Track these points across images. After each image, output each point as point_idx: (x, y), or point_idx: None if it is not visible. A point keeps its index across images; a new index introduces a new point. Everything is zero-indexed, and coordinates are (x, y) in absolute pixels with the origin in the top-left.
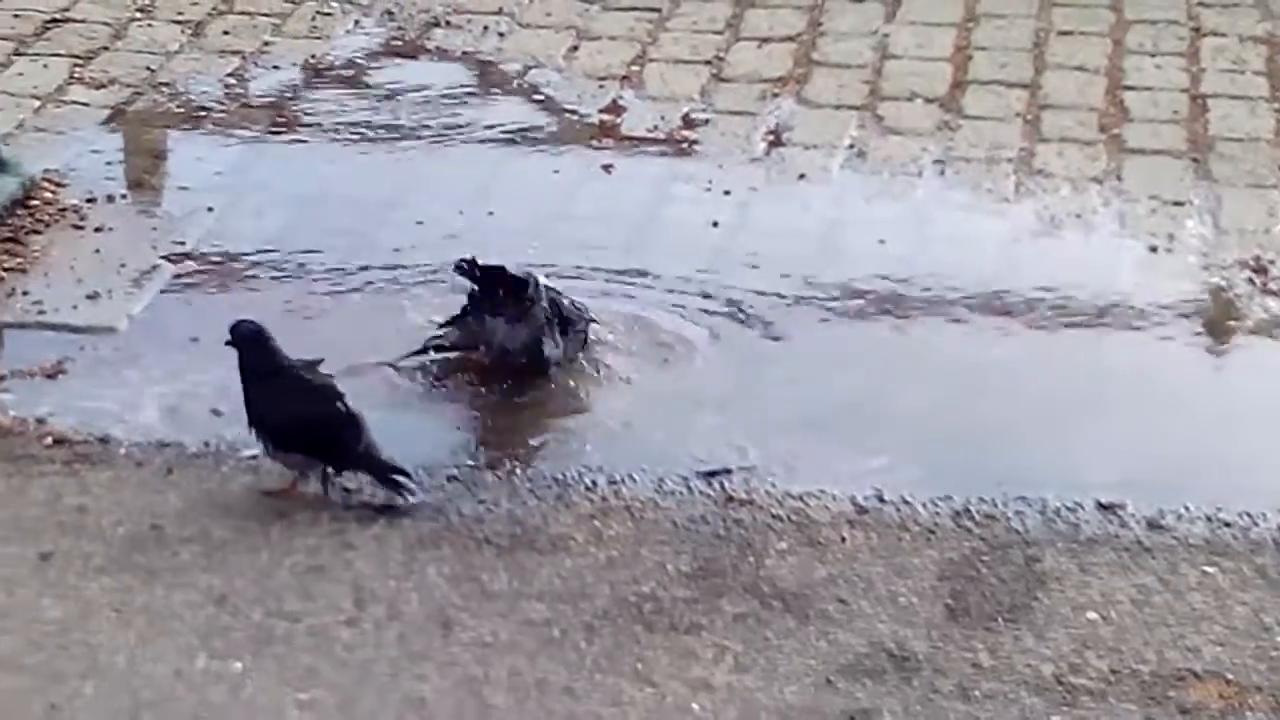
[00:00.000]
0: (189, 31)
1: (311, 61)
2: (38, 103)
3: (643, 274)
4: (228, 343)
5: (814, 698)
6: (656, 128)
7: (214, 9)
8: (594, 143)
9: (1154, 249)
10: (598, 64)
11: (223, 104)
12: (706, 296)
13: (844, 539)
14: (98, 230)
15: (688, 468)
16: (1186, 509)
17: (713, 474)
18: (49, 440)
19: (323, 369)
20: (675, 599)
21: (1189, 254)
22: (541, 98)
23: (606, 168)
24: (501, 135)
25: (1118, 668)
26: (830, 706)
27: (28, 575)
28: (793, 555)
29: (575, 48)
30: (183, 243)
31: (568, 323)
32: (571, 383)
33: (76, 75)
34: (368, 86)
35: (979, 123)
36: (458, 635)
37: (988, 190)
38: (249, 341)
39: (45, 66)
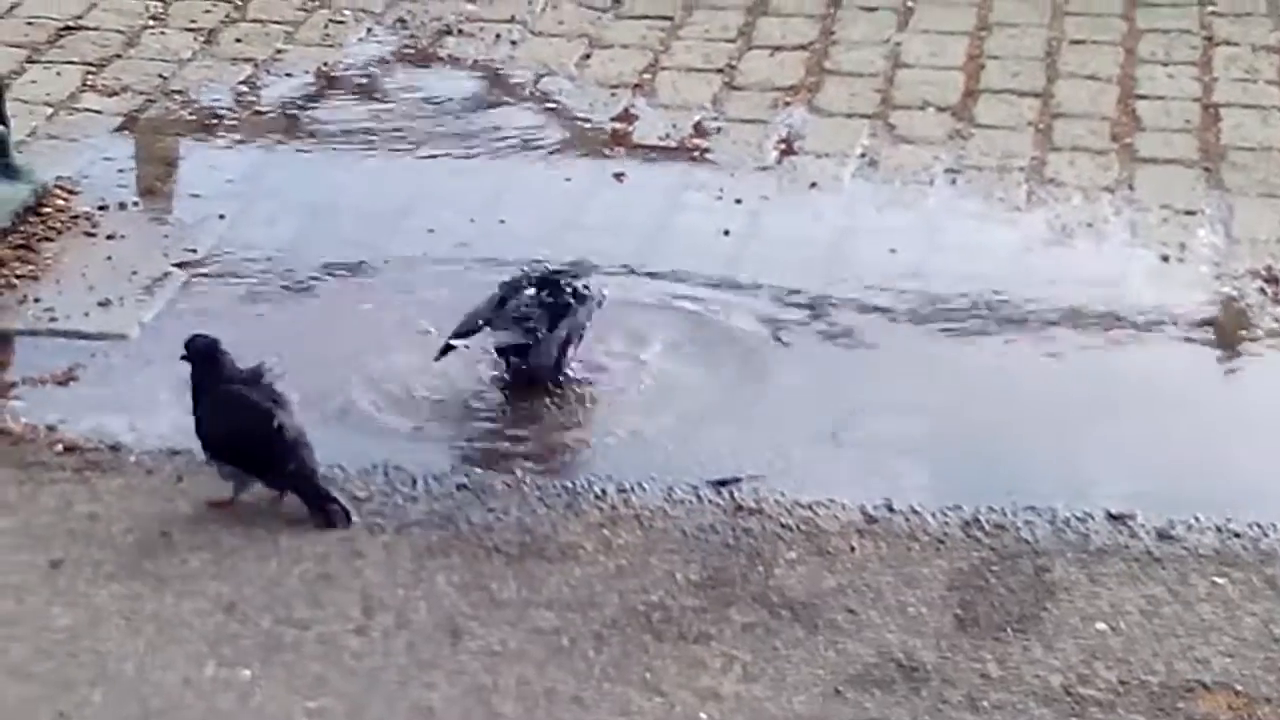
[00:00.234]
0: (201, 39)
1: (324, 69)
2: (50, 110)
3: (655, 279)
4: (183, 357)
5: (822, 707)
6: (668, 136)
7: (226, 17)
8: (606, 151)
9: (1166, 258)
10: (610, 72)
11: (235, 112)
12: (717, 305)
13: (853, 548)
14: (110, 238)
15: (697, 476)
16: (1196, 519)
17: (722, 483)
18: (60, 447)
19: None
20: (684, 608)
21: (1201, 263)
22: (553, 106)
23: (618, 176)
24: (513, 143)
25: (1126, 679)
26: (838, 716)
27: (38, 582)
28: (802, 565)
29: (587, 56)
30: (194, 250)
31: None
32: (580, 390)
33: (89, 83)
34: (380, 94)
35: (991, 131)
36: (466, 644)
37: (999, 199)
38: (202, 356)
39: (58, 74)
